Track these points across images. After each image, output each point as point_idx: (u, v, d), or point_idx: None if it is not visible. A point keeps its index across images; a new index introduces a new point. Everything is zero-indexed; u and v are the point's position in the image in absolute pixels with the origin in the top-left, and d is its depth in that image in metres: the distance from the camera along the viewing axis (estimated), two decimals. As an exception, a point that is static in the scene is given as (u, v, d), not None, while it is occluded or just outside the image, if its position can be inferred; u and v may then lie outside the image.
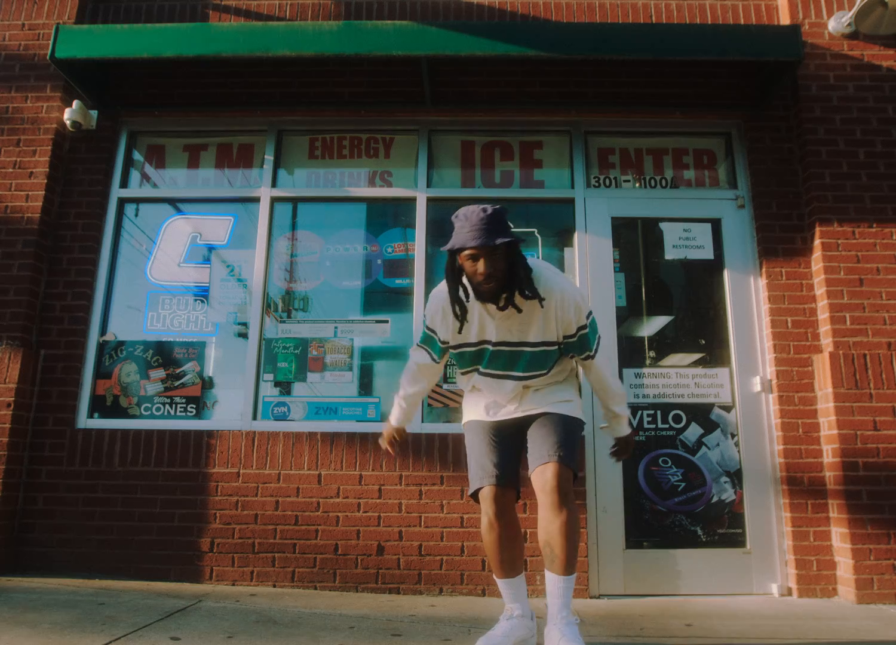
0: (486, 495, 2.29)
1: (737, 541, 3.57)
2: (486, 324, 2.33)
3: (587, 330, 2.34)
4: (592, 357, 2.39)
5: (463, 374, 2.53)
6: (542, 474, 2.22)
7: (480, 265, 2.17)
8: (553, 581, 2.18)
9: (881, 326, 3.62)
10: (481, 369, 2.42)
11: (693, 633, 2.70)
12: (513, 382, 2.40)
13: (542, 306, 2.27)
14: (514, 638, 2.24)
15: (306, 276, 4.07)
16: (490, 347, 2.35)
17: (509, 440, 2.39)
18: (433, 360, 2.50)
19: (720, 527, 3.60)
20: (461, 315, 2.29)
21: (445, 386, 3.77)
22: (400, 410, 2.62)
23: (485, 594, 3.38)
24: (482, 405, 2.47)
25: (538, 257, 3.91)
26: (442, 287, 2.37)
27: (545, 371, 2.41)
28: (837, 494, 3.41)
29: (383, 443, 2.67)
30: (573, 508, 2.21)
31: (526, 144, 4.24)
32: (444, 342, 2.43)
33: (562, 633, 2.10)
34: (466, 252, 2.18)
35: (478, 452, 2.38)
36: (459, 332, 2.35)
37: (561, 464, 2.21)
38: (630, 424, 2.53)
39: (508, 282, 2.22)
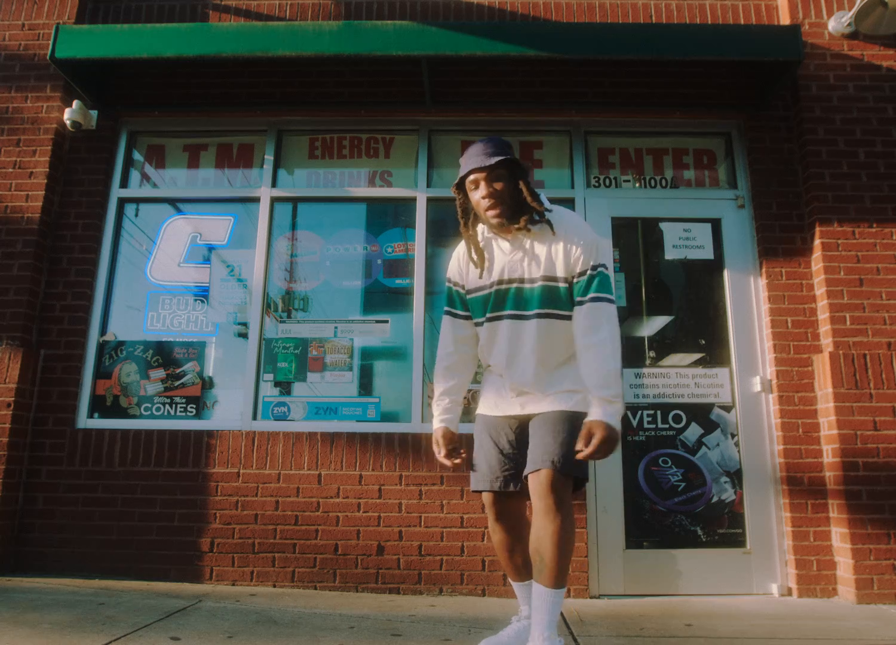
0: (486, 499, 2.26)
1: (737, 541, 3.57)
2: (499, 261, 2.27)
3: (598, 273, 2.18)
4: (602, 300, 2.15)
5: (477, 325, 2.35)
6: (535, 479, 2.10)
7: (482, 189, 2.17)
8: (540, 594, 2.02)
9: (881, 326, 3.62)
10: (498, 313, 2.27)
11: (693, 633, 2.69)
12: (524, 325, 2.22)
13: (553, 233, 2.20)
14: (521, 640, 2.16)
15: (306, 276, 4.07)
16: (504, 286, 2.26)
17: (515, 439, 2.27)
18: (461, 316, 2.38)
19: (720, 527, 3.60)
20: (477, 255, 2.28)
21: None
22: (441, 409, 2.34)
23: (485, 594, 3.38)
24: (492, 392, 2.34)
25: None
26: (461, 244, 2.42)
27: (559, 311, 2.21)
28: (837, 494, 3.41)
29: (442, 459, 2.29)
30: (568, 515, 2.06)
31: (526, 144, 4.24)
32: (465, 291, 2.37)
33: None
34: (469, 180, 2.20)
35: (480, 451, 2.30)
36: (480, 276, 2.29)
37: (555, 470, 2.05)
38: (606, 411, 2.05)
39: (516, 207, 2.19)
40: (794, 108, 4.03)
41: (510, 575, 2.33)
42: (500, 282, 2.27)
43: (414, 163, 4.17)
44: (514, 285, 2.25)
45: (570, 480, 2.10)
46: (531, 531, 2.10)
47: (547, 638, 1.97)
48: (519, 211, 2.21)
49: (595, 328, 2.14)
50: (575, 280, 2.20)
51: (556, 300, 2.22)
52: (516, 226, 2.21)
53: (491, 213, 2.19)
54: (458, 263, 2.40)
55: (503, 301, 2.26)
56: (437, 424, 2.33)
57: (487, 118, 4.19)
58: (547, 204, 2.27)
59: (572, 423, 2.13)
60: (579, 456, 2.02)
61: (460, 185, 2.28)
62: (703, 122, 4.19)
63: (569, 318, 2.22)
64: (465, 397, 2.45)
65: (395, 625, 2.72)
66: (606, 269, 2.22)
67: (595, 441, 1.98)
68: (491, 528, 2.28)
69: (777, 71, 3.83)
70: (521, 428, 2.28)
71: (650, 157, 4.20)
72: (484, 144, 2.20)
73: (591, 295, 2.16)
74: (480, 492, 2.27)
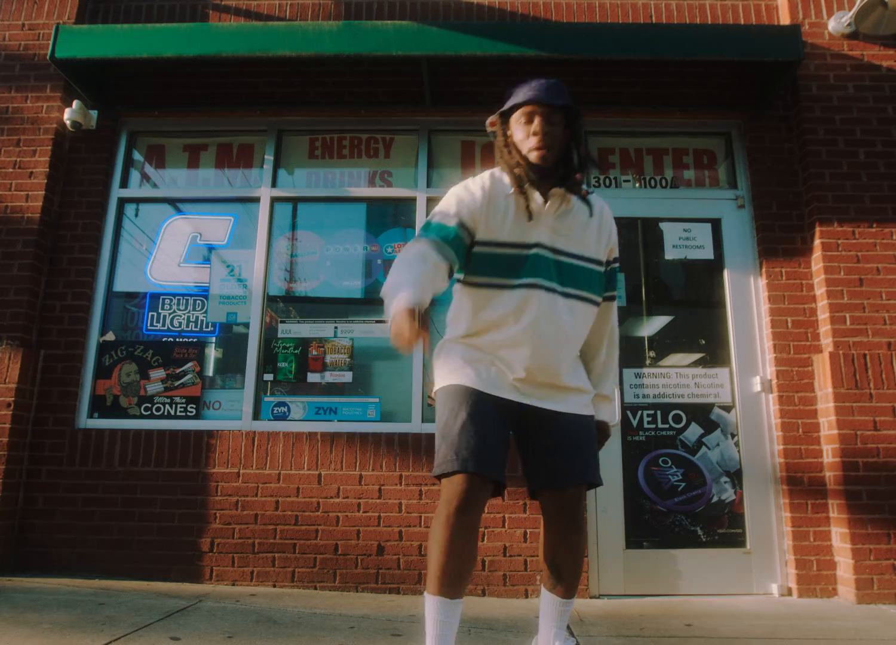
0: (469, 485, 1.75)
1: (737, 541, 3.57)
2: (538, 220, 1.91)
3: (617, 266, 2.09)
4: (615, 298, 2.09)
5: (476, 287, 1.94)
6: (570, 494, 1.88)
7: (536, 124, 1.90)
8: (552, 603, 1.93)
9: (881, 326, 3.62)
10: (535, 281, 1.89)
11: (693, 633, 2.70)
12: (569, 305, 1.91)
13: (591, 215, 1.97)
14: None
15: (306, 276, 4.07)
16: (534, 251, 1.90)
17: (503, 423, 1.89)
18: (447, 261, 1.85)
19: (720, 527, 3.60)
20: (525, 193, 1.89)
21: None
22: (411, 285, 1.72)
23: (485, 594, 3.38)
24: (486, 368, 1.90)
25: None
26: (478, 176, 2.00)
27: (594, 295, 1.99)
28: (837, 494, 3.41)
29: (406, 335, 1.61)
30: (584, 528, 1.96)
31: (526, 144, 4.23)
32: (475, 240, 1.93)
33: None
34: (522, 110, 1.93)
35: (460, 427, 1.81)
36: (529, 218, 1.89)
37: (588, 486, 1.93)
38: (611, 412, 2.11)
39: (559, 164, 1.93)
40: (794, 108, 4.03)
41: (442, 586, 1.74)
42: (537, 244, 1.91)
43: (414, 163, 4.17)
44: (561, 257, 1.93)
45: None
46: (546, 541, 1.93)
47: (564, 639, 1.93)
48: (557, 172, 1.94)
49: (614, 328, 2.11)
50: (608, 267, 2.05)
51: (593, 285, 1.99)
52: (560, 183, 1.92)
53: (536, 153, 1.90)
54: (480, 198, 1.93)
55: (543, 268, 1.91)
56: (407, 302, 1.65)
57: (487, 118, 4.18)
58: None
59: (593, 432, 2.01)
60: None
61: (505, 115, 2.01)
62: (703, 122, 4.19)
63: (597, 306, 2.02)
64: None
65: (395, 625, 2.72)
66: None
67: (604, 441, 2.08)
68: (444, 522, 1.75)
69: (777, 71, 3.83)
70: (520, 418, 1.93)
71: (650, 157, 4.20)
72: (551, 83, 1.96)
73: (613, 292, 2.09)
74: (471, 474, 1.76)
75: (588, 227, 1.98)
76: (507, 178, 1.97)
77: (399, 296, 1.67)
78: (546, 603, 1.95)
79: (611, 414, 2.08)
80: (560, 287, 1.92)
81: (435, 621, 1.75)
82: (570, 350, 1.95)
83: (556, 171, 1.94)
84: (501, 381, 1.90)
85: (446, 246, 1.87)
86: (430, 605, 1.76)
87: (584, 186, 1.99)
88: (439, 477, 1.82)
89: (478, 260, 1.95)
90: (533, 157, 1.92)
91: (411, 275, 1.75)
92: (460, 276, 2.00)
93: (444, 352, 1.99)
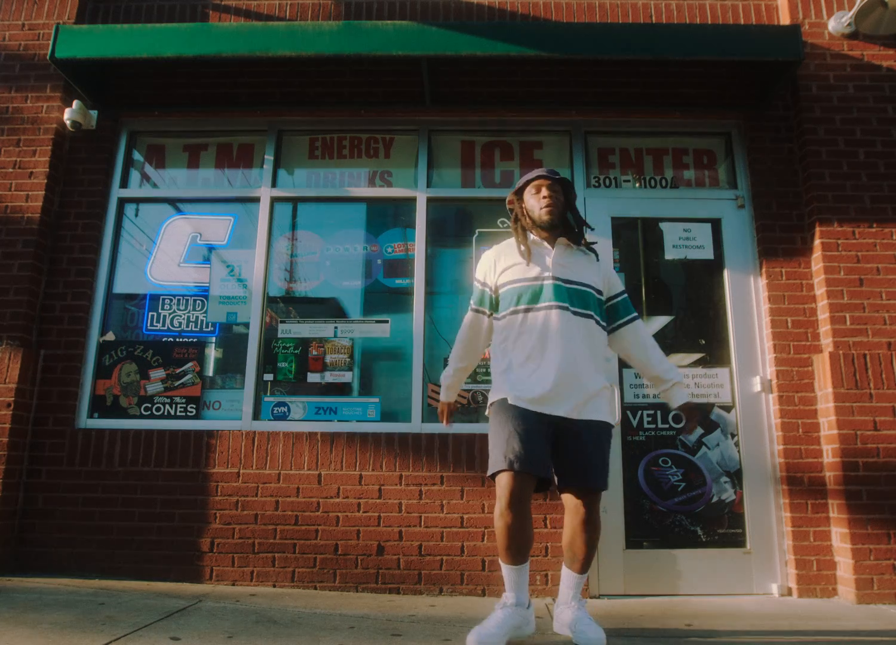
0: (513, 482, 2.35)
1: (737, 541, 3.57)
2: (545, 259, 2.61)
3: (626, 295, 2.74)
4: (638, 317, 2.72)
5: (511, 315, 2.59)
6: (587, 495, 2.49)
7: (544, 191, 2.64)
8: (569, 576, 2.55)
9: (881, 326, 3.62)
10: (535, 305, 2.55)
11: (693, 633, 2.69)
12: (566, 316, 2.52)
13: (597, 259, 2.70)
14: (506, 627, 2.33)
15: (306, 276, 4.07)
16: (548, 282, 2.57)
17: (546, 431, 2.47)
18: (485, 313, 2.72)
19: (720, 527, 3.60)
20: (525, 247, 2.63)
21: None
22: (448, 388, 2.87)
23: (485, 594, 3.38)
24: (526, 385, 2.49)
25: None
26: (492, 248, 2.80)
27: (600, 319, 2.61)
28: (837, 494, 3.41)
29: (443, 420, 2.92)
30: (599, 521, 2.54)
31: (526, 144, 4.24)
32: (495, 289, 2.68)
33: (573, 611, 2.49)
34: (534, 183, 2.67)
35: (509, 434, 2.41)
36: (528, 264, 2.60)
37: (600, 491, 2.51)
38: (686, 393, 2.67)
39: (563, 218, 2.69)
40: (794, 108, 4.03)
41: (509, 559, 2.41)
42: (544, 277, 2.58)
43: (414, 163, 4.17)
44: (559, 282, 2.57)
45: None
46: (566, 529, 2.54)
47: (577, 599, 2.53)
48: (564, 224, 2.70)
49: (649, 334, 2.75)
50: (614, 300, 2.71)
51: (596, 307, 2.61)
52: (564, 236, 2.66)
53: (546, 210, 2.62)
54: (493, 262, 2.71)
55: (547, 293, 2.55)
56: (447, 400, 2.88)
57: (487, 118, 4.19)
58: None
59: (608, 440, 2.56)
60: (692, 427, 2.66)
61: (519, 192, 2.74)
62: (702, 122, 4.19)
63: (602, 327, 2.63)
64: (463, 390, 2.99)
65: (395, 625, 2.72)
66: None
67: (695, 415, 2.64)
68: (500, 513, 2.37)
69: (777, 71, 3.83)
70: (555, 427, 2.49)
71: (650, 157, 4.20)
72: (550, 169, 2.72)
73: (633, 314, 2.72)
74: (502, 473, 2.39)
75: (592, 266, 2.67)
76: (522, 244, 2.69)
77: (441, 395, 2.91)
78: (565, 576, 2.57)
79: (686, 395, 2.65)
80: (578, 309, 2.55)
81: (509, 579, 2.44)
82: (589, 359, 2.53)
83: (560, 222, 2.68)
84: (540, 390, 2.46)
85: (483, 305, 2.77)
86: (504, 570, 2.45)
87: (579, 236, 2.70)
88: (493, 477, 2.44)
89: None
90: (544, 212, 2.63)
91: (450, 379, 2.85)
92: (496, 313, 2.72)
93: (500, 377, 2.59)
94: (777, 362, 3.67)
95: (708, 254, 3.99)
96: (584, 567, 2.52)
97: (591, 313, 2.57)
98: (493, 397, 2.59)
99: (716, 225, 4.01)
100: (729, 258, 3.94)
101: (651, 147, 4.22)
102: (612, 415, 2.65)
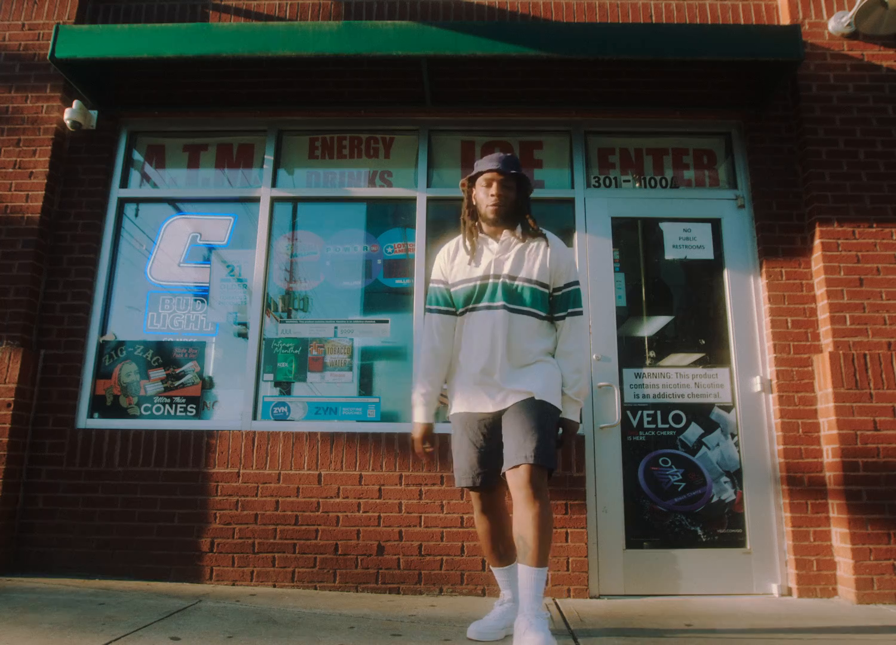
0: (471, 494, 2.56)
1: (737, 541, 3.57)
2: (486, 258, 2.58)
3: (577, 288, 2.60)
4: (580, 313, 2.58)
5: (459, 316, 2.61)
6: (515, 474, 2.34)
7: (493, 188, 2.54)
8: (525, 573, 2.25)
9: (881, 326, 3.62)
10: (480, 304, 2.54)
11: (693, 633, 2.69)
12: (501, 315, 2.49)
13: (547, 245, 2.58)
14: (505, 621, 2.47)
15: (306, 276, 4.07)
16: (490, 281, 2.54)
17: (490, 435, 2.49)
18: (444, 312, 2.63)
19: (720, 527, 3.60)
20: (470, 244, 2.60)
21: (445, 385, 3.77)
22: (423, 404, 2.62)
23: (485, 594, 3.38)
24: (464, 390, 2.55)
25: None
26: (443, 247, 2.74)
27: (537, 310, 2.53)
28: (837, 494, 3.41)
29: (418, 448, 2.63)
30: (546, 501, 2.31)
31: (526, 144, 4.24)
32: (449, 285, 2.63)
33: (529, 623, 2.16)
34: (483, 176, 2.57)
35: (461, 450, 2.53)
36: (469, 263, 2.58)
37: (533, 465, 2.31)
38: (573, 409, 2.51)
39: (513, 214, 2.59)
40: (794, 108, 4.03)
41: (493, 561, 2.57)
42: (485, 276, 2.56)
43: (414, 163, 4.17)
44: (500, 281, 2.54)
45: (544, 470, 2.35)
46: (514, 519, 2.33)
47: (535, 610, 2.20)
48: (512, 219, 2.60)
49: (574, 339, 2.56)
50: (558, 292, 2.58)
51: (536, 301, 2.54)
52: (510, 230, 2.59)
53: (491, 208, 2.55)
54: (444, 260, 2.68)
55: (487, 293, 2.54)
56: (421, 420, 2.61)
57: (487, 118, 4.19)
58: (543, 230, 2.65)
59: (539, 412, 2.40)
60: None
61: (472, 179, 2.64)
62: (703, 122, 4.19)
63: (543, 318, 2.56)
64: (441, 394, 2.68)
65: (395, 625, 2.72)
66: (579, 284, 2.64)
67: (567, 442, 2.60)
68: (476, 519, 2.57)
69: (777, 71, 3.83)
70: (494, 423, 2.50)
71: (650, 157, 4.20)
72: (505, 156, 2.60)
73: (571, 309, 2.57)
74: (472, 488, 2.52)
75: (540, 256, 2.57)
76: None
77: (413, 423, 2.64)
78: (521, 574, 2.26)
79: (568, 411, 2.49)
80: (508, 304, 2.51)
81: (500, 579, 2.57)
82: (516, 354, 2.49)
83: (508, 218, 2.59)
84: (474, 396, 2.52)
85: (439, 303, 2.67)
86: (494, 571, 2.59)
87: (530, 229, 2.61)
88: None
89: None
90: (490, 210, 2.57)
91: (421, 398, 2.63)
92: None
93: (453, 380, 2.64)
94: (777, 362, 3.67)
95: (708, 254, 3.99)
96: (539, 557, 2.22)
97: (530, 309, 2.52)
98: (450, 407, 2.66)
99: (716, 225, 4.01)
100: (729, 258, 3.94)
101: (651, 147, 4.22)
102: (548, 389, 2.44)
